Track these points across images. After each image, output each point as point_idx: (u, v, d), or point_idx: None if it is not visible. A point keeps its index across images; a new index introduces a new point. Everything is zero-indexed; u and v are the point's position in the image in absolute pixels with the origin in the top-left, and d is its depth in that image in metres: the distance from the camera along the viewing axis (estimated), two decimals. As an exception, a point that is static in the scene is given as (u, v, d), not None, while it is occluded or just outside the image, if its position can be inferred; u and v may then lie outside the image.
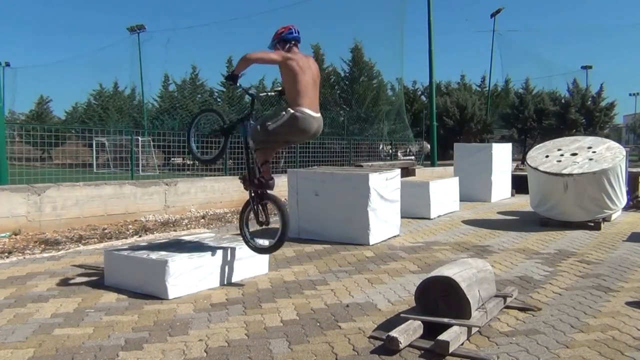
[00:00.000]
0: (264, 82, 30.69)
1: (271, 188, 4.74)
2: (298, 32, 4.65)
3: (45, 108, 44.08)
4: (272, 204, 4.83)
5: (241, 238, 5.01)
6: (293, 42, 4.65)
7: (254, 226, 5.03)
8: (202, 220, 8.98)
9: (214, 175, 11.52)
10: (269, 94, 5.11)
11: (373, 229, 6.65)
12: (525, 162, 10.39)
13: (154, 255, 4.53)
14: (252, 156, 4.81)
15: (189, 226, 8.40)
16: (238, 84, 4.64)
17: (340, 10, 41.23)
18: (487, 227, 8.20)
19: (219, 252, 4.80)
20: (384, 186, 6.97)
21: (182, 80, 32.58)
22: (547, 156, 8.70)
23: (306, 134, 4.64)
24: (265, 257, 5.23)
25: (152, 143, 16.65)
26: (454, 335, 3.26)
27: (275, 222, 4.91)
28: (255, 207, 4.88)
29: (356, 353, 3.26)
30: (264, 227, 4.91)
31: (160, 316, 3.92)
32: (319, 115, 4.63)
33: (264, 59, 4.60)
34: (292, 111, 4.44)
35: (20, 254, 6.10)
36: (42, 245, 6.61)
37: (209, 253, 4.72)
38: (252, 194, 4.90)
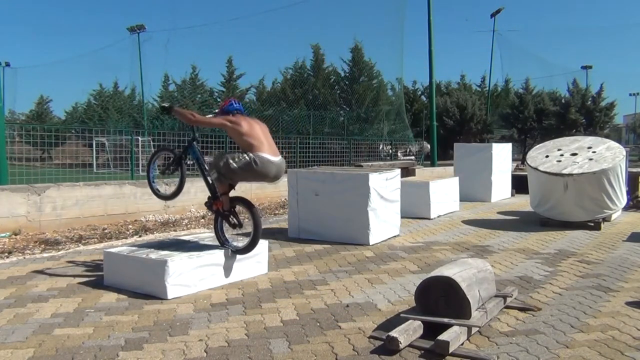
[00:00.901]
0: (264, 82, 30.81)
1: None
2: (239, 104, 5.09)
3: (45, 108, 43.98)
4: (241, 206, 4.97)
5: (240, 238, 5.09)
6: (235, 112, 4.98)
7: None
8: (202, 220, 8.98)
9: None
10: None
11: (373, 229, 6.65)
12: (525, 162, 10.39)
13: (154, 255, 4.54)
14: (212, 179, 5.01)
15: (189, 226, 8.40)
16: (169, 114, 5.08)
17: (340, 10, 41.26)
18: (487, 227, 8.20)
19: (219, 252, 4.80)
20: (384, 186, 6.97)
21: (182, 80, 32.61)
22: (547, 156, 8.70)
23: (266, 177, 4.90)
24: (265, 257, 5.24)
25: (152, 143, 16.63)
26: (454, 335, 3.26)
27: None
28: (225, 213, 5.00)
29: (356, 353, 3.26)
30: (237, 229, 5.02)
31: (160, 316, 3.92)
32: (278, 158, 4.89)
33: (207, 123, 5.23)
34: (252, 155, 4.72)
35: (20, 254, 6.10)
36: (42, 245, 6.61)
37: (209, 253, 4.73)
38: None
